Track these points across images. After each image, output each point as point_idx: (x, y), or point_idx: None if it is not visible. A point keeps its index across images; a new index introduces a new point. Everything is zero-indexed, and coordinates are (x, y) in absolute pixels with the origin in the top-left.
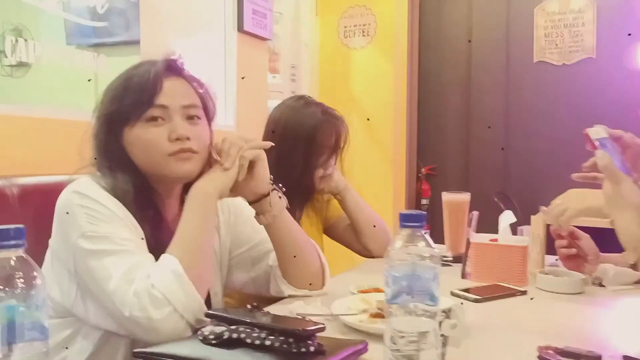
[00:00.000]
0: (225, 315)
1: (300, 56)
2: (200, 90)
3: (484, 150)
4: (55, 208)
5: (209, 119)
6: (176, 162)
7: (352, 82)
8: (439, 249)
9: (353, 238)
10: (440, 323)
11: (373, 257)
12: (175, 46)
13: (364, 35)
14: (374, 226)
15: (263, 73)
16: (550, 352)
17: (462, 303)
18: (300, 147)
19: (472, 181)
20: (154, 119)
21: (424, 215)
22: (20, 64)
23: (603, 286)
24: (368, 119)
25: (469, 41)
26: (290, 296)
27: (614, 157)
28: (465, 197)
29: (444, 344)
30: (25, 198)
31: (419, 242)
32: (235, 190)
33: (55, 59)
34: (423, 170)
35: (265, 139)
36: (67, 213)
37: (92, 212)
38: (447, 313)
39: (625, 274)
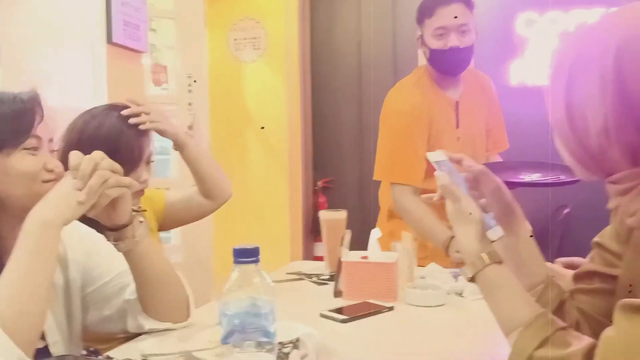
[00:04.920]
0: None
1: (195, 67)
2: (52, 124)
3: None
4: None
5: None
6: None
7: (245, 96)
8: (319, 267)
9: (191, 205)
10: (288, 355)
11: (213, 209)
12: (37, 60)
13: (254, 49)
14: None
15: (139, 87)
16: None
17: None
18: None
19: (368, 193)
20: (34, 148)
21: (257, 250)
22: None
23: (464, 297)
24: (262, 127)
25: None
26: (150, 331)
27: (453, 177)
28: (342, 215)
29: None
30: None
31: (254, 277)
32: (89, 212)
33: None
34: (319, 183)
35: (60, 148)
36: None
37: None
38: (295, 344)
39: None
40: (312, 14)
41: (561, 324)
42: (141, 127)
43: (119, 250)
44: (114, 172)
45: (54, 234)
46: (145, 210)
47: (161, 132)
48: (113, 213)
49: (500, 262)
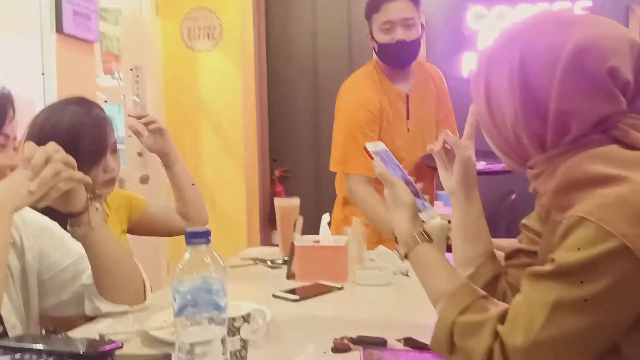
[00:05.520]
0: (11, 344)
1: (144, 57)
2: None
3: None
4: None
5: None
6: None
7: (199, 86)
8: (273, 252)
9: (167, 220)
10: (239, 328)
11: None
12: None
13: (209, 39)
14: (193, 184)
15: (91, 77)
16: (345, 341)
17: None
18: None
19: (324, 182)
20: (2, 146)
21: (208, 232)
22: None
23: (409, 276)
24: None
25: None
26: (107, 314)
27: (388, 165)
28: (295, 202)
29: (244, 347)
30: None
31: (205, 257)
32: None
33: None
34: (277, 172)
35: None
36: None
37: None
38: (246, 318)
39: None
40: (267, 3)
41: (482, 293)
42: (151, 127)
43: (74, 236)
44: (67, 164)
45: (3, 219)
46: (100, 196)
47: (163, 135)
48: (67, 202)
49: (429, 241)
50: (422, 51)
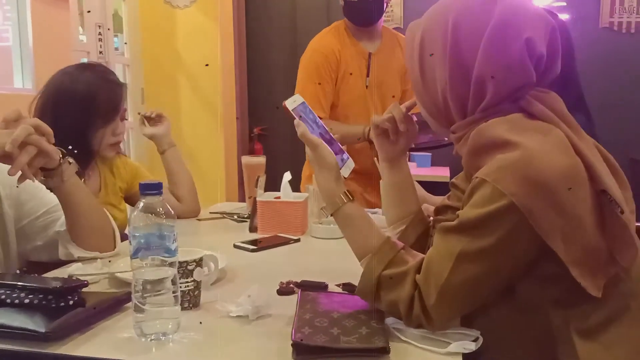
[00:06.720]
0: None
1: (108, 14)
2: None
3: None
4: None
5: None
6: None
7: (177, 42)
8: (240, 206)
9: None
10: (192, 271)
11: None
12: None
13: None
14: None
15: (66, 31)
16: (290, 285)
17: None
18: (74, 114)
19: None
20: None
21: (160, 184)
22: None
23: None
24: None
25: None
26: (80, 259)
27: (308, 123)
28: (261, 160)
29: (197, 288)
30: None
31: (158, 207)
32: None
33: None
34: (255, 130)
35: (37, 106)
36: None
37: None
38: (198, 262)
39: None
40: None
41: (400, 245)
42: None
43: (47, 186)
44: (40, 130)
45: None
46: (76, 152)
47: (162, 122)
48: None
49: (352, 201)
50: (399, 15)
